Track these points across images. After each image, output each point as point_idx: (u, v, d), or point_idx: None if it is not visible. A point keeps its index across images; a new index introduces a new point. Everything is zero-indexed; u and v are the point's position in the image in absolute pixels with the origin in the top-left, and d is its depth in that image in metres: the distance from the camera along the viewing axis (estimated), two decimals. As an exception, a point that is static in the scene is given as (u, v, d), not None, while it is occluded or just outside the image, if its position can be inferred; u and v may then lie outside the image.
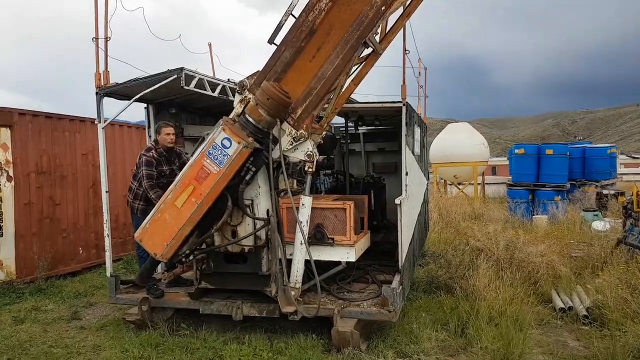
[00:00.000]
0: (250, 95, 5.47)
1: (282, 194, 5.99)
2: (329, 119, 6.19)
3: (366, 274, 7.07)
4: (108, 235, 6.59)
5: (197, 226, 5.43)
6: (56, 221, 9.21)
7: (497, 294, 7.02)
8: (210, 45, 10.06)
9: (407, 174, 6.63)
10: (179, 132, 7.70)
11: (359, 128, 10.43)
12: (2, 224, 8.18)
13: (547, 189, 15.76)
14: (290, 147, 5.48)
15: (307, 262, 5.77)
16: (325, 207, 5.75)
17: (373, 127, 10.96)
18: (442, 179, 21.77)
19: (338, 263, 5.85)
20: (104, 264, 9.99)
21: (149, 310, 6.24)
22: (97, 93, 6.46)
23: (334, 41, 5.37)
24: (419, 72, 10.64)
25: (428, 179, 20.83)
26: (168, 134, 6.37)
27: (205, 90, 6.71)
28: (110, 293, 6.56)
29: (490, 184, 23.84)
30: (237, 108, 5.54)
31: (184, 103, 7.85)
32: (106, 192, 6.56)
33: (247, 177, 5.36)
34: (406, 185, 6.64)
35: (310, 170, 5.52)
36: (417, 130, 8.49)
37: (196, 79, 6.37)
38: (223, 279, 5.89)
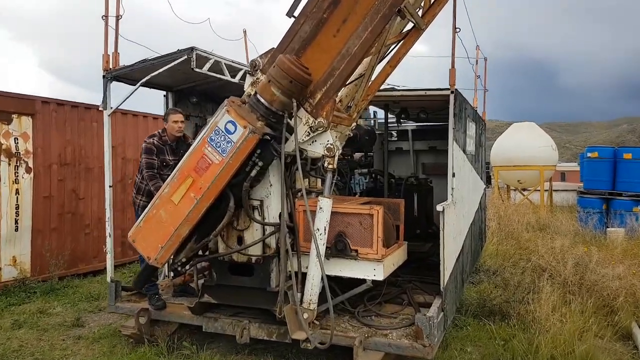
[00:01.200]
0: (263, 77, 4.57)
1: (299, 194, 5.05)
2: (359, 107, 5.17)
3: (403, 292, 5.99)
4: (110, 235, 5.91)
5: (197, 228, 4.59)
6: (79, 216, 8.74)
7: (563, 325, 5.76)
8: (245, 31, 9.27)
9: (454, 175, 5.50)
10: (201, 124, 6.96)
11: (405, 123, 9.32)
12: (17, 218, 7.75)
13: (625, 198, 13.86)
14: (307, 138, 4.52)
15: (328, 279, 4.82)
16: (348, 212, 4.75)
17: (423, 124, 9.81)
18: (504, 184, 20.04)
19: (364, 281, 4.83)
20: (128, 263, 9.51)
21: (148, 323, 5.48)
22: (104, 76, 5.78)
23: (363, 10, 4.36)
24: (476, 61, 9.33)
25: (488, 183, 19.23)
26: (176, 121, 5.59)
27: (224, 75, 5.90)
28: (109, 301, 5.87)
29: (558, 190, 21.76)
30: (248, 90, 4.66)
31: (208, 92, 7.08)
32: (110, 186, 5.88)
33: (253, 173, 4.44)
34: (452, 188, 5.51)
35: (330, 167, 4.54)
36: (472, 126, 7.29)
37: (211, 61, 5.56)
38: (226, 293, 5.01)
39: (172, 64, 5.35)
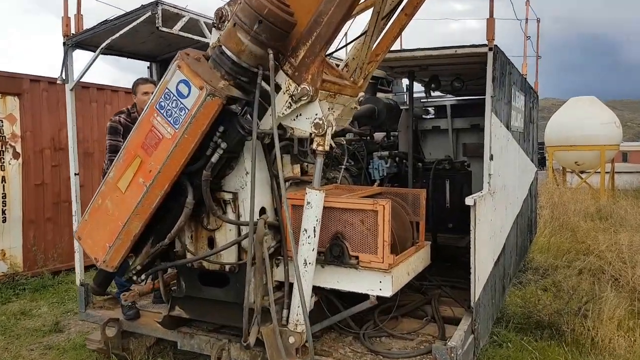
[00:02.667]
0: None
1: (288, 184, 3.98)
2: (365, 71, 4.03)
3: (427, 302, 4.85)
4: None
5: (153, 226, 3.62)
6: (78, 205, 8.02)
7: (632, 344, 4.50)
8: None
9: (492, 158, 4.27)
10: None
11: (443, 98, 8.03)
12: (5, 208, 7.08)
13: None
14: (289, 111, 3.42)
15: (325, 292, 3.78)
16: (346, 207, 3.64)
17: (465, 98, 8.50)
18: (559, 166, 18.17)
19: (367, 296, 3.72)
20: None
21: (119, 336, 4.61)
22: (64, 43, 4.87)
23: None
24: (526, 19, 7.84)
25: (541, 166, 17.41)
26: (146, 93, 4.61)
27: (206, 36, 4.86)
28: (80, 307, 5.05)
29: (621, 172, 19.62)
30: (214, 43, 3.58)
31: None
32: (75, 174, 5.02)
33: (214, 158, 3.40)
34: (490, 175, 4.29)
35: (320, 149, 3.43)
36: (519, 97, 5.97)
37: (184, 18, 4.52)
38: (198, 308, 4.04)
39: (134, 23, 4.35)
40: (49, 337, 5.49)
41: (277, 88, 3.43)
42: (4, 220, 7.08)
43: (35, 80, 7.46)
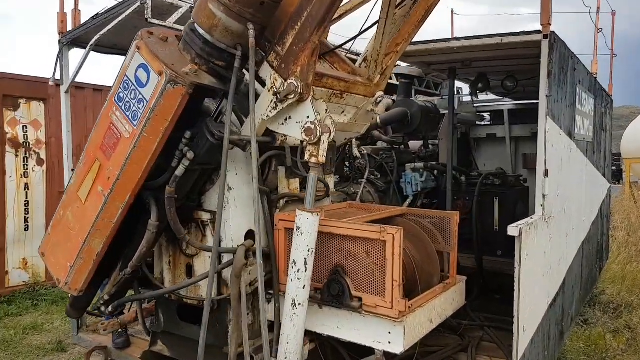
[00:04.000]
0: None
1: (282, 201, 3.28)
2: (383, 65, 3.27)
3: (464, 348, 3.97)
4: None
5: (117, 245, 3.05)
6: (104, 214, 7.74)
7: None
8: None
9: (547, 174, 3.37)
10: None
11: (498, 102, 7.08)
12: (27, 216, 6.86)
13: None
14: (274, 113, 2.73)
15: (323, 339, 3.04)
16: (347, 233, 2.88)
17: (525, 102, 7.48)
18: (638, 179, 16.28)
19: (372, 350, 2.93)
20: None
21: (105, 367, 4.09)
22: (59, 41, 4.47)
23: None
24: (597, 7, 6.73)
25: (616, 179, 15.61)
26: None
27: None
28: (72, 330, 4.60)
29: None
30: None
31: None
32: (71, 170, 4.64)
33: (179, 171, 2.75)
34: (544, 195, 3.39)
35: (314, 160, 2.70)
36: (586, 99, 4.96)
37: (182, 10, 3.97)
38: (179, 345, 3.41)
39: (122, 16, 3.83)
40: (50, 357, 5.10)
41: (262, 84, 2.77)
42: (27, 229, 6.86)
43: (80, 87, 7.25)
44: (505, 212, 5.13)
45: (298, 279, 2.75)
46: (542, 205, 3.36)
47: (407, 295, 3.07)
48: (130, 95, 2.66)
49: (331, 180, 3.76)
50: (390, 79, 6.56)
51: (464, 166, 7.38)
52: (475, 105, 8.15)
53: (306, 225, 2.74)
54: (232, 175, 3.02)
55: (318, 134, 2.63)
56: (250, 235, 3.13)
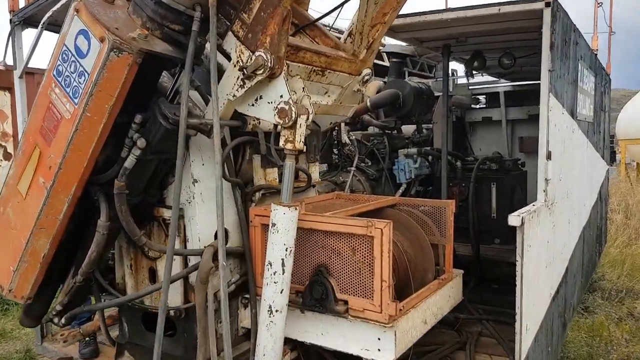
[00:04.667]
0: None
1: (258, 194, 2.92)
2: (369, 39, 2.90)
3: (461, 345, 3.67)
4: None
5: (70, 246, 2.69)
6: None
7: None
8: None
9: (549, 156, 3.05)
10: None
11: (496, 83, 6.75)
12: (-5, 213, 6.44)
13: None
14: (241, 91, 2.36)
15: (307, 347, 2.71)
16: (330, 228, 2.54)
17: (521, 83, 7.18)
18: (633, 160, 16.07)
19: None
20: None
21: (70, 379, 3.75)
22: (10, 21, 4.05)
23: None
24: (596, -21, 6.37)
25: (612, 161, 15.47)
26: None
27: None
28: (36, 339, 4.24)
29: None
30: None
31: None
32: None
33: (128, 163, 2.37)
34: (547, 180, 3.07)
35: (290, 147, 2.35)
36: (588, 76, 4.63)
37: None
38: (145, 357, 3.06)
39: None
40: (13, 368, 4.75)
41: (228, 59, 2.40)
42: (-6, 227, 6.45)
43: (30, 72, 6.78)
44: (503, 199, 4.82)
45: (275, 282, 2.41)
46: (544, 191, 3.04)
47: (399, 294, 2.76)
48: (70, 68, 2.28)
49: (316, 169, 3.41)
50: (382, 59, 6.19)
51: (459, 151, 7.06)
52: (470, 87, 7.82)
53: (283, 221, 2.39)
54: (197, 165, 2.67)
55: (293, 115, 2.27)
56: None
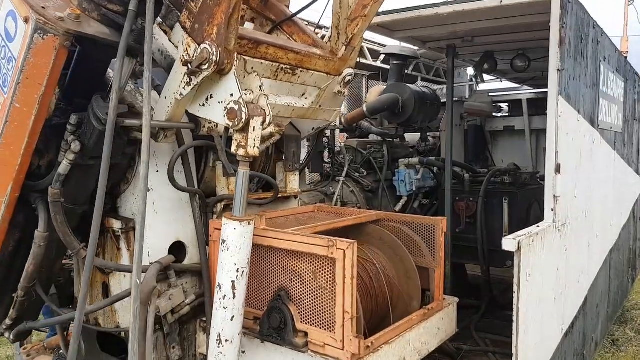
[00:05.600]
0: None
1: (220, 205, 2.63)
2: (348, 33, 2.59)
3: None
4: None
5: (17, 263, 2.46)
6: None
7: None
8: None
9: (559, 169, 2.67)
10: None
11: (517, 90, 6.33)
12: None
13: None
14: (188, 90, 2.08)
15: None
16: (289, 247, 2.21)
17: (545, 90, 6.67)
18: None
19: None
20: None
21: (39, 397, 3.52)
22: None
23: None
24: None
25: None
26: None
27: None
28: (16, 348, 4.05)
29: None
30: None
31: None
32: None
33: (63, 168, 2.11)
34: (555, 197, 2.68)
35: (242, 153, 2.05)
36: (616, 82, 4.18)
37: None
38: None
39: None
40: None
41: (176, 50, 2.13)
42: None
43: None
44: (517, 216, 4.38)
45: (224, 307, 2.11)
46: (552, 210, 2.64)
47: (376, 325, 2.41)
48: (0, 54, 2.05)
49: (295, 178, 3.10)
50: (386, 62, 5.85)
51: (479, 162, 6.62)
52: (490, 94, 7.40)
53: (233, 238, 2.09)
54: (151, 172, 2.39)
55: (243, 116, 1.97)
56: (176, 248, 2.51)
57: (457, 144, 5.11)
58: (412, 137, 5.00)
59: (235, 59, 2.02)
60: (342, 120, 4.25)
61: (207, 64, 1.96)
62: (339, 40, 2.58)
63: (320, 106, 2.81)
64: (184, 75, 2.06)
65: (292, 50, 2.38)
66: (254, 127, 2.03)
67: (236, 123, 1.99)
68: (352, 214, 2.96)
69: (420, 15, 3.04)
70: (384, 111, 4.26)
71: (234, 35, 2.00)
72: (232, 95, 2.02)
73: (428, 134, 5.00)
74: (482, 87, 7.27)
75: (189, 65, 2.00)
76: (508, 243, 2.24)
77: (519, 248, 2.24)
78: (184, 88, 2.08)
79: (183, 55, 2.04)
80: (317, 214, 3.00)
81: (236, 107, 1.98)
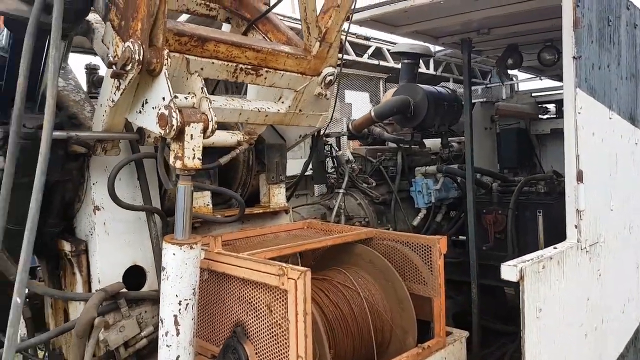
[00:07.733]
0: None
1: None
2: (321, 27, 2.27)
3: None
4: None
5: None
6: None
7: None
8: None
9: (581, 177, 2.20)
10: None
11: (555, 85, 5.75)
12: None
13: None
14: (117, 95, 1.82)
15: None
16: (244, 275, 1.89)
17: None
18: None
19: None
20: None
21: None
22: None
23: None
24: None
25: None
26: None
27: None
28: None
29: None
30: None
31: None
32: None
33: None
34: (579, 211, 2.21)
35: (179, 165, 1.76)
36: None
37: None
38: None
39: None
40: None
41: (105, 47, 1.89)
42: None
43: None
44: (554, 230, 3.84)
45: (167, 346, 1.83)
46: (576, 227, 2.17)
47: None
48: None
49: (281, 192, 2.79)
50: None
51: (526, 168, 6.06)
52: (533, 94, 6.83)
53: (173, 265, 1.80)
54: (101, 189, 2.16)
55: (174, 123, 1.69)
56: (132, 274, 2.25)
57: (487, 150, 4.61)
58: (434, 143, 4.56)
59: (166, 57, 1.74)
60: (350, 126, 3.91)
61: (130, 64, 1.69)
62: (311, 35, 2.26)
63: (300, 111, 2.49)
64: (114, 80, 1.81)
65: (251, 47, 2.08)
66: (192, 135, 1.74)
67: (167, 130, 1.71)
68: (343, 230, 2.60)
69: (414, 4, 2.65)
70: (394, 115, 3.86)
71: (162, 30, 1.72)
72: (163, 99, 1.75)
73: (453, 138, 4.54)
74: (524, 86, 6.72)
75: (113, 67, 1.75)
76: (507, 271, 1.81)
77: (522, 277, 1.80)
78: (114, 93, 1.83)
79: (109, 56, 1.79)
80: (305, 232, 2.67)
81: (166, 112, 1.70)
